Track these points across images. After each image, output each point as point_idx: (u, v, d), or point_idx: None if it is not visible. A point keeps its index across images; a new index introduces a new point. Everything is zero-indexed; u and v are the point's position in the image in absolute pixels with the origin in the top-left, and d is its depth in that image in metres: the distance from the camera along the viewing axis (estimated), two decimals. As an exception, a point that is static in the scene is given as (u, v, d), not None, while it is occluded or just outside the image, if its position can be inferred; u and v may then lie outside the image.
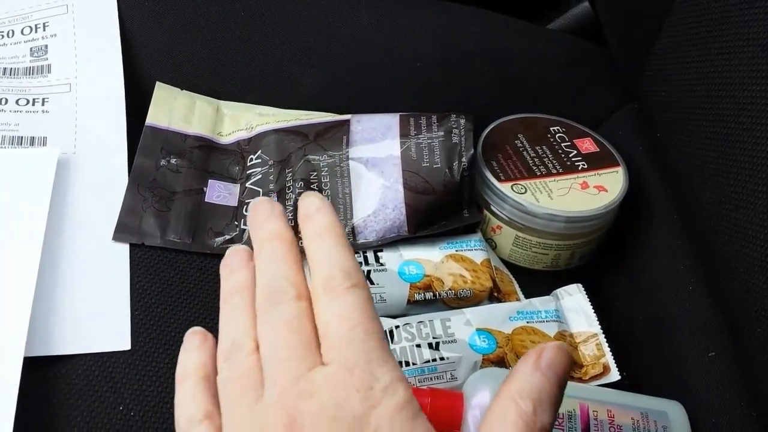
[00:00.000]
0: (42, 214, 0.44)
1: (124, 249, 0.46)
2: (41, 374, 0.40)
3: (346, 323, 0.27)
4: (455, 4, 0.68)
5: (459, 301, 0.47)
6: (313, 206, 0.31)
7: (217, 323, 0.45)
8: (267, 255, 0.30)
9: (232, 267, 0.31)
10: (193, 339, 0.32)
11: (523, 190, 0.50)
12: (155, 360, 0.42)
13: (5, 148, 0.49)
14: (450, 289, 0.47)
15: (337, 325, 0.27)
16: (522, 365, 0.28)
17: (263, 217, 0.31)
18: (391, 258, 0.48)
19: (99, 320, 0.42)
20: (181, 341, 0.43)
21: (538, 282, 0.50)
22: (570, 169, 0.52)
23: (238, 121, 0.55)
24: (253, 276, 0.30)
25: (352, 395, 0.26)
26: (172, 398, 0.41)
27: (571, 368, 0.28)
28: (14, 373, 0.38)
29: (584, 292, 0.48)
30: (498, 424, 0.27)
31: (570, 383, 0.42)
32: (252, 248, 0.32)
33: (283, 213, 0.32)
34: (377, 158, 0.51)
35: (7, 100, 0.52)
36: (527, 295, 0.49)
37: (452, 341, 0.43)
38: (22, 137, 0.50)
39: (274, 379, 0.27)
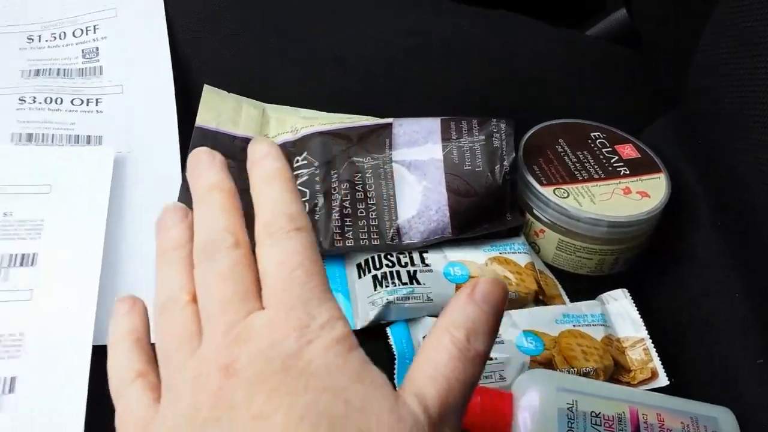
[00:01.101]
0: (102, 209, 0.46)
1: None
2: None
3: (287, 267, 0.27)
4: (491, 9, 0.69)
5: (504, 303, 0.47)
6: (261, 152, 0.30)
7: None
8: (205, 206, 0.29)
9: (166, 224, 0.31)
10: (123, 305, 0.31)
11: (565, 194, 0.50)
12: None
13: (62, 146, 0.50)
14: (495, 291, 0.47)
15: (276, 269, 0.27)
16: (456, 298, 0.28)
17: (203, 167, 0.30)
18: (436, 259, 0.48)
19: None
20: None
21: (582, 286, 0.51)
22: (612, 174, 0.52)
23: (284, 123, 0.56)
24: (188, 232, 0.30)
25: (288, 334, 0.25)
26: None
27: (506, 300, 0.28)
28: (84, 361, 0.39)
29: (630, 297, 0.48)
30: (433, 353, 0.27)
31: (619, 387, 0.43)
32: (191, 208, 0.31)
33: (224, 163, 0.31)
34: (420, 161, 0.52)
35: (62, 100, 0.53)
36: (572, 300, 0.49)
37: (499, 342, 0.44)
38: (78, 136, 0.51)
39: (210, 328, 0.27)
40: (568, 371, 0.43)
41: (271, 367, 0.25)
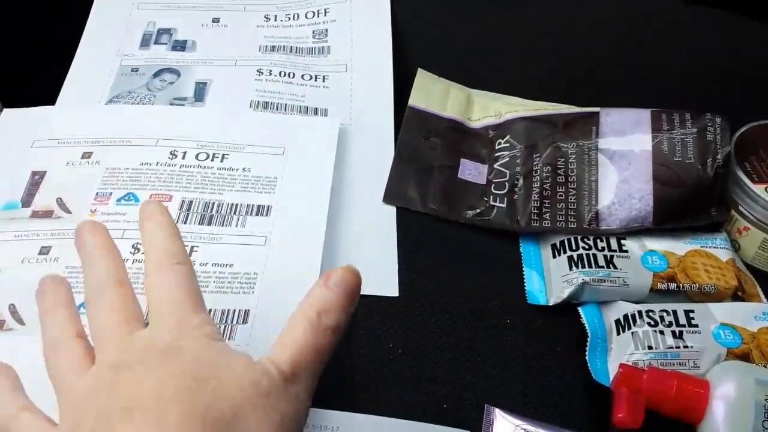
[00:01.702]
0: (329, 171, 0.51)
1: (391, 210, 0.52)
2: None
3: (169, 291, 0.32)
4: (712, 9, 0.68)
5: (702, 295, 0.47)
6: (151, 209, 0.37)
7: (466, 282, 0.49)
8: (93, 260, 0.35)
9: (44, 289, 0.35)
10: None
11: (777, 194, 0.49)
12: (420, 308, 0.47)
13: (294, 115, 0.56)
14: (694, 283, 0.47)
15: (162, 293, 0.33)
16: (314, 286, 0.33)
17: (88, 234, 0.36)
18: (633, 246, 0.49)
19: (372, 269, 0.48)
20: (441, 293, 0.48)
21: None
22: (830, 177, 0.50)
23: (487, 108, 0.59)
24: (66, 296, 0.35)
25: (164, 334, 0.31)
26: (433, 337, 0.45)
27: (359, 284, 0.33)
28: None
29: (836, 303, 0.47)
30: (290, 329, 0.32)
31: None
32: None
33: (105, 228, 0.37)
34: (626, 150, 0.53)
35: (294, 74, 0.59)
36: (770, 300, 0.48)
37: (696, 332, 0.44)
38: (307, 107, 0.57)
39: (103, 346, 0.31)
40: (765, 366, 0.43)
41: (149, 354, 0.30)
